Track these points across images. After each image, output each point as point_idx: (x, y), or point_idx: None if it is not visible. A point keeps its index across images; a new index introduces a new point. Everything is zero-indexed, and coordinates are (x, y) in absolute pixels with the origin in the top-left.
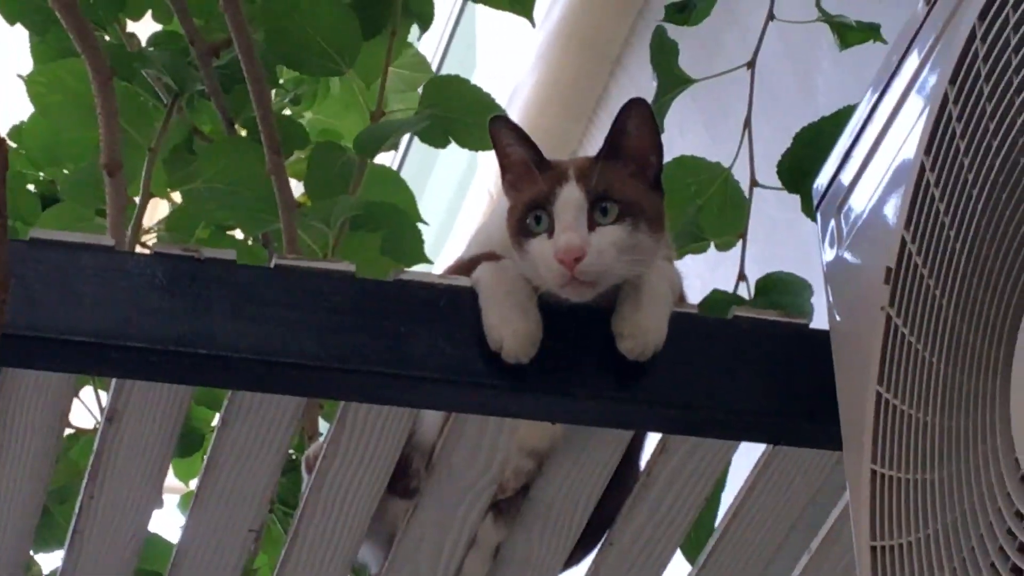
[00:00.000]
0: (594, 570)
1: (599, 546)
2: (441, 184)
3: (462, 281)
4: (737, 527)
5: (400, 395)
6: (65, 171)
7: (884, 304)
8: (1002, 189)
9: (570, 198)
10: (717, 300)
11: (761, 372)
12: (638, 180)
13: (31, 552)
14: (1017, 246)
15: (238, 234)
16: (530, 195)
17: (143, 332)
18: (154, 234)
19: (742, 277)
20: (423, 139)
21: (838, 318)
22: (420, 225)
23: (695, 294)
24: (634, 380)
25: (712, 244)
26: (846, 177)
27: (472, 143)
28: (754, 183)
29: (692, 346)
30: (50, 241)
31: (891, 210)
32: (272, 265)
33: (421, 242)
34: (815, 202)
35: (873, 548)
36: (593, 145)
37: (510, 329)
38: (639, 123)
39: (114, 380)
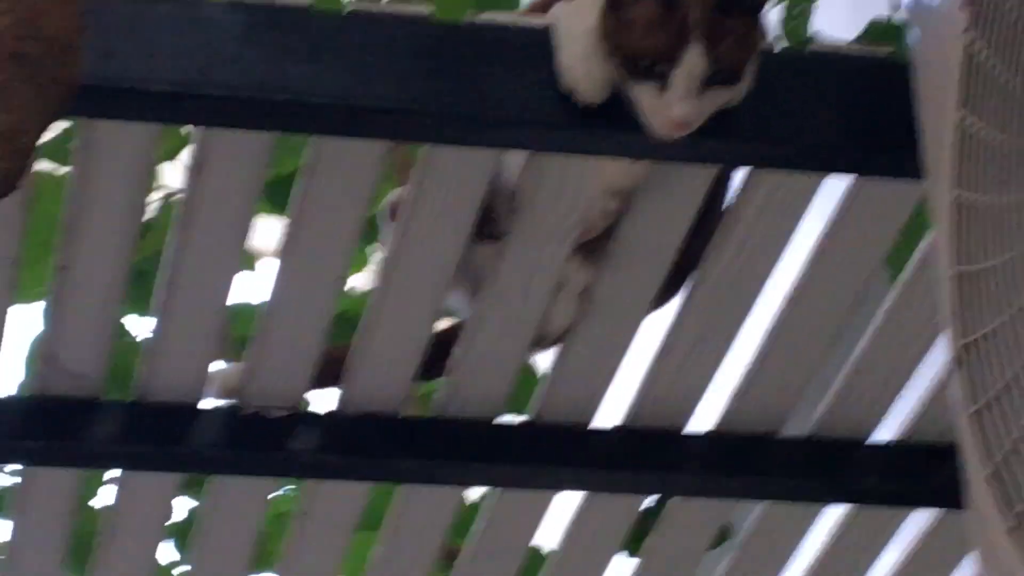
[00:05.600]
0: (683, 309)
1: (687, 285)
2: None
3: (539, 21)
4: (823, 262)
5: (479, 136)
6: None
7: (965, 26)
8: None
9: (694, 68)
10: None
11: (843, 104)
12: (753, 25)
13: (132, 314)
14: None
15: None
16: (651, 45)
17: (220, 80)
18: None
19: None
20: None
21: (919, 45)
22: None
23: None
24: (716, 115)
25: None
26: None
27: None
28: None
29: (773, 80)
30: None
31: None
32: (347, 12)
33: None
34: None
35: (956, 275)
36: None
37: (583, 70)
38: None
39: (196, 130)
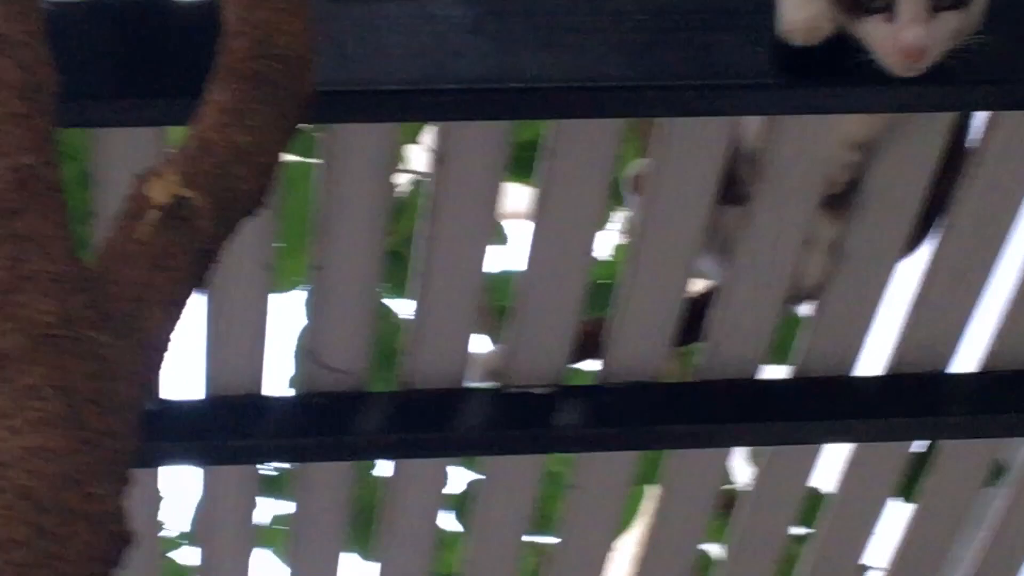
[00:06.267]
0: (936, 253)
1: (937, 229)
2: None
3: None
4: None
5: (713, 105)
6: None
7: None
8: None
9: None
10: None
11: None
12: None
13: (390, 298)
14: None
15: None
16: None
17: (454, 74)
18: None
19: None
20: None
21: None
22: None
23: None
24: (950, 61)
25: None
26: None
27: None
28: None
29: (1006, 20)
30: None
31: None
32: None
33: None
34: None
35: None
36: None
37: (799, 12)
38: None
39: (436, 125)
